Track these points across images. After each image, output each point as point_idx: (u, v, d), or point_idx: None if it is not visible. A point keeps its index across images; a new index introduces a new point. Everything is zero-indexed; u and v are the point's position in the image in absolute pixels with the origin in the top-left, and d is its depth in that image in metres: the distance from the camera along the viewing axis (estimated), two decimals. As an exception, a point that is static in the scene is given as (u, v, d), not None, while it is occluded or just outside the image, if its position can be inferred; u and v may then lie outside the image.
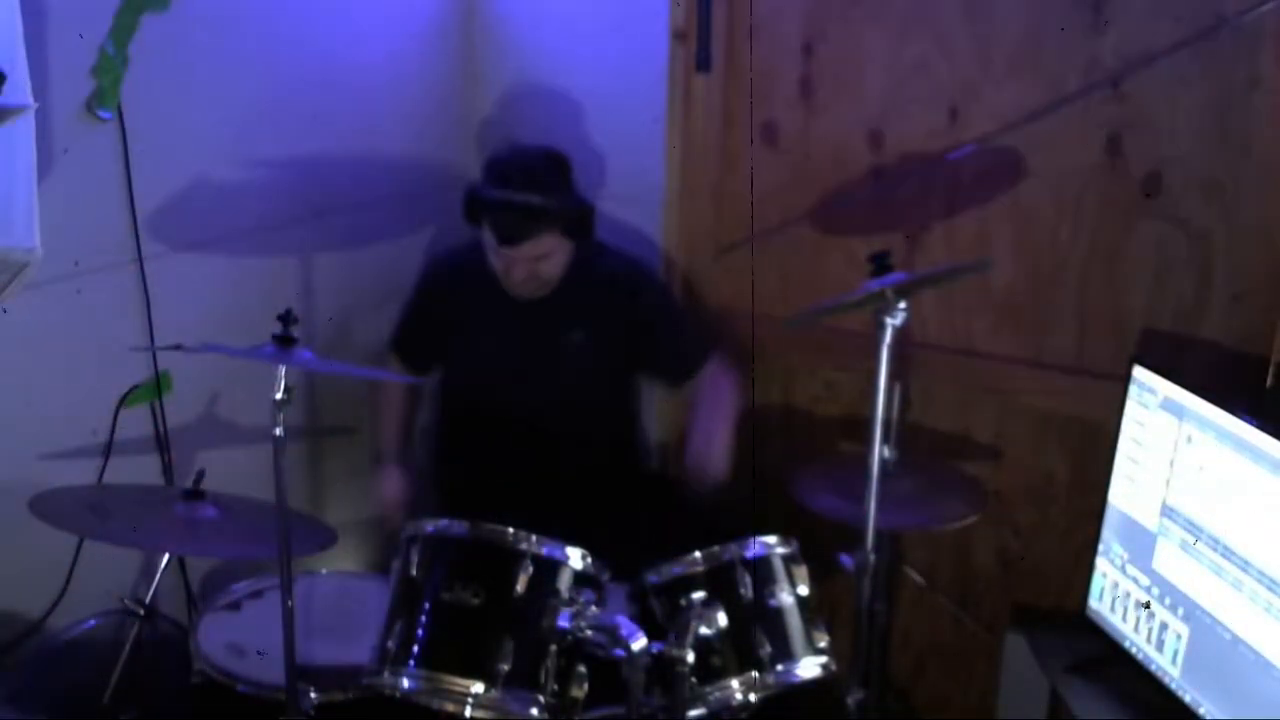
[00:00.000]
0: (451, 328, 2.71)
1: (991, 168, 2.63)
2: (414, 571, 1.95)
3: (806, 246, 2.88)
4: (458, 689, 1.86)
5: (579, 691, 1.88)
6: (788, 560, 2.03)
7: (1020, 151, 2.58)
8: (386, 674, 1.91)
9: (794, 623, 1.99)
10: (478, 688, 1.86)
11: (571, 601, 1.91)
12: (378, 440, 2.79)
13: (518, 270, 2.53)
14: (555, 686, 1.89)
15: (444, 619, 1.91)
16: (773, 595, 1.98)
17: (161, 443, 2.51)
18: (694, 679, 1.87)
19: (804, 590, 2.02)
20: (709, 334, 2.83)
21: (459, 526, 1.96)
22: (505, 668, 1.85)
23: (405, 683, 1.89)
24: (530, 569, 1.90)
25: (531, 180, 2.47)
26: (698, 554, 1.98)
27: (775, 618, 1.97)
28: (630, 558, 2.05)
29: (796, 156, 2.84)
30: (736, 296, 2.98)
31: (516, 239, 2.47)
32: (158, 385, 2.47)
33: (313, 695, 2.06)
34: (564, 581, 1.93)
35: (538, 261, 2.52)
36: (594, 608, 1.92)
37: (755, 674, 1.93)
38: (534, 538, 1.93)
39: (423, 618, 1.91)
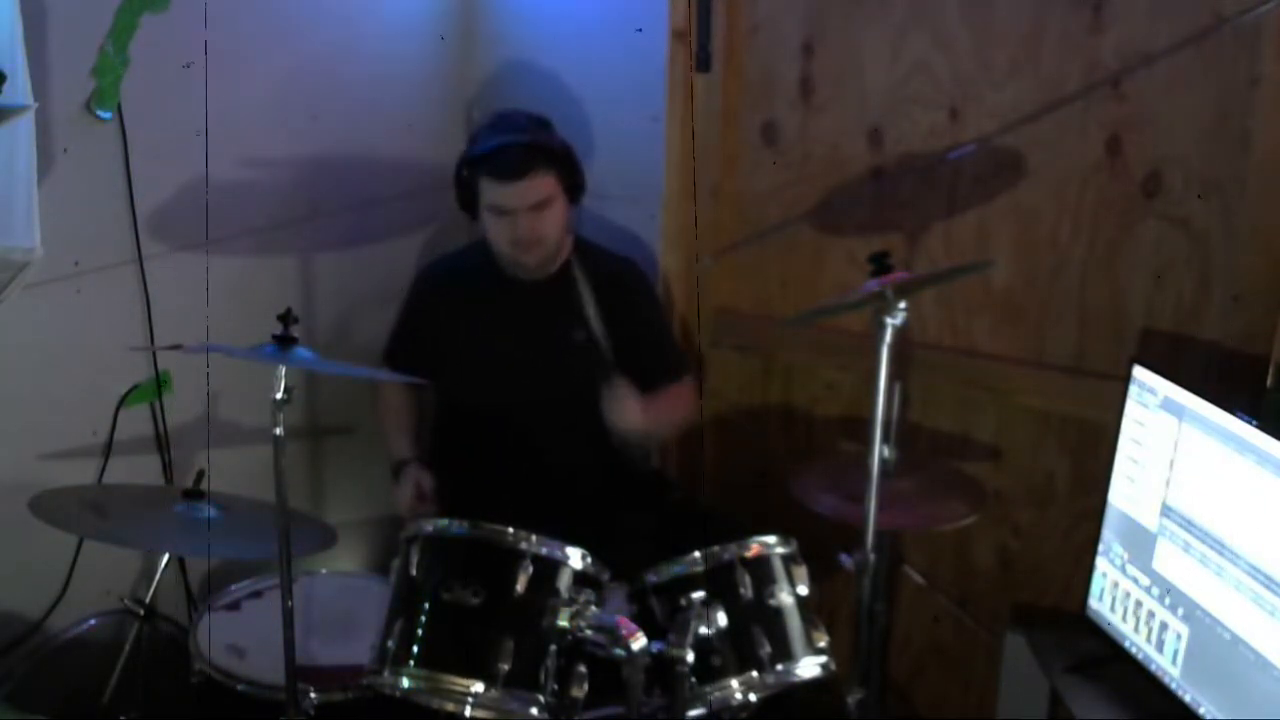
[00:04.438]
0: (445, 329, 2.70)
1: (991, 168, 2.62)
2: (414, 571, 1.95)
3: (806, 246, 2.88)
4: (458, 689, 1.86)
5: (579, 691, 1.88)
6: (787, 560, 2.03)
7: (1020, 151, 2.58)
8: (386, 674, 1.90)
9: (793, 623, 1.99)
10: (478, 687, 1.85)
11: (571, 601, 1.91)
12: (389, 447, 2.71)
13: (522, 225, 2.51)
14: (555, 686, 1.89)
15: (444, 619, 1.91)
16: (772, 595, 1.98)
17: (161, 443, 2.51)
18: (694, 679, 1.87)
19: (804, 590, 2.02)
20: (685, 355, 2.86)
21: (459, 526, 1.96)
22: (505, 667, 1.85)
23: (405, 682, 1.89)
24: (530, 569, 1.90)
25: (520, 124, 2.56)
26: (697, 554, 1.97)
27: (775, 617, 1.97)
28: (629, 557, 2.05)
29: (796, 156, 2.85)
30: (736, 296, 2.99)
31: (516, 173, 2.47)
32: (158, 385, 2.47)
33: (313, 695, 2.07)
34: (564, 581, 1.93)
35: (539, 213, 2.51)
36: (594, 608, 1.92)
37: (755, 674, 1.93)
38: (534, 537, 1.93)
39: (423, 617, 1.91)
